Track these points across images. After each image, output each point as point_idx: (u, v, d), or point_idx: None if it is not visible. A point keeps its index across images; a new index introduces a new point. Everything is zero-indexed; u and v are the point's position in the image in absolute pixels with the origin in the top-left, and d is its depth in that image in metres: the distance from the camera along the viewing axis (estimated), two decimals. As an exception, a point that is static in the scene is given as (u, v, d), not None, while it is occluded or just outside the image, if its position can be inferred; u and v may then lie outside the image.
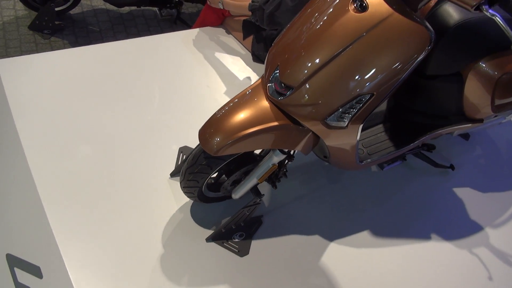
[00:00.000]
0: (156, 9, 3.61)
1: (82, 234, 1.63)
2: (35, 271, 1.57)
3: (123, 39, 2.58)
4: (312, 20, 1.31)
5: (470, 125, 1.80)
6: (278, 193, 1.88)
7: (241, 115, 1.35)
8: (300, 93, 1.30)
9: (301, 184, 1.96)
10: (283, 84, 1.32)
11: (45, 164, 1.82)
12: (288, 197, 1.90)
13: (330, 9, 1.29)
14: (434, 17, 1.53)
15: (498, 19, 1.15)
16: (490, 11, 1.13)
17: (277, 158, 1.48)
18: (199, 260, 1.63)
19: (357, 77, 1.24)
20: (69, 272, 1.50)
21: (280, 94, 1.34)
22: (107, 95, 2.18)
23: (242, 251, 1.68)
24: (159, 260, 1.60)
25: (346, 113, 1.30)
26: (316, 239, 1.77)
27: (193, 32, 2.63)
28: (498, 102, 1.68)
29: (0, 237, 1.70)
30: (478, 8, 1.12)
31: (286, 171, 1.67)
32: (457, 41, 1.54)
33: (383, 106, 1.81)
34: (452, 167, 2.14)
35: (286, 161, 1.59)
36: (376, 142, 1.72)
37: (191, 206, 1.77)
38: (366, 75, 1.24)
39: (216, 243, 1.68)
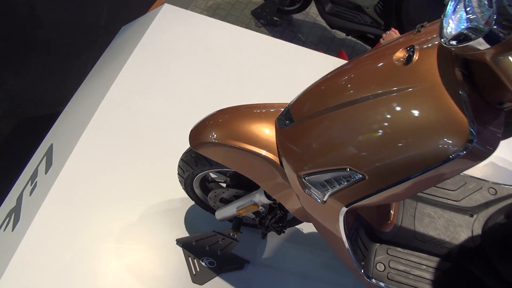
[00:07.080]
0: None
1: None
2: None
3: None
4: (354, 62, 0.98)
5: None
6: (278, 256, 1.55)
7: (238, 125, 1.13)
8: (295, 130, 1.00)
9: (307, 261, 1.56)
10: (289, 114, 1.04)
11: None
12: (286, 265, 1.54)
13: (378, 52, 0.93)
14: None
15: None
16: None
17: (259, 197, 1.20)
18: (157, 255, 1.48)
19: (356, 143, 0.86)
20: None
21: (283, 124, 1.06)
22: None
23: (198, 279, 1.45)
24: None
25: (329, 184, 0.93)
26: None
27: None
28: None
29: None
30: None
31: (283, 226, 1.33)
32: None
33: (465, 245, 1.24)
34: None
35: (277, 213, 1.27)
36: (409, 271, 1.20)
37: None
38: (367, 146, 0.85)
39: (184, 251, 1.49)
